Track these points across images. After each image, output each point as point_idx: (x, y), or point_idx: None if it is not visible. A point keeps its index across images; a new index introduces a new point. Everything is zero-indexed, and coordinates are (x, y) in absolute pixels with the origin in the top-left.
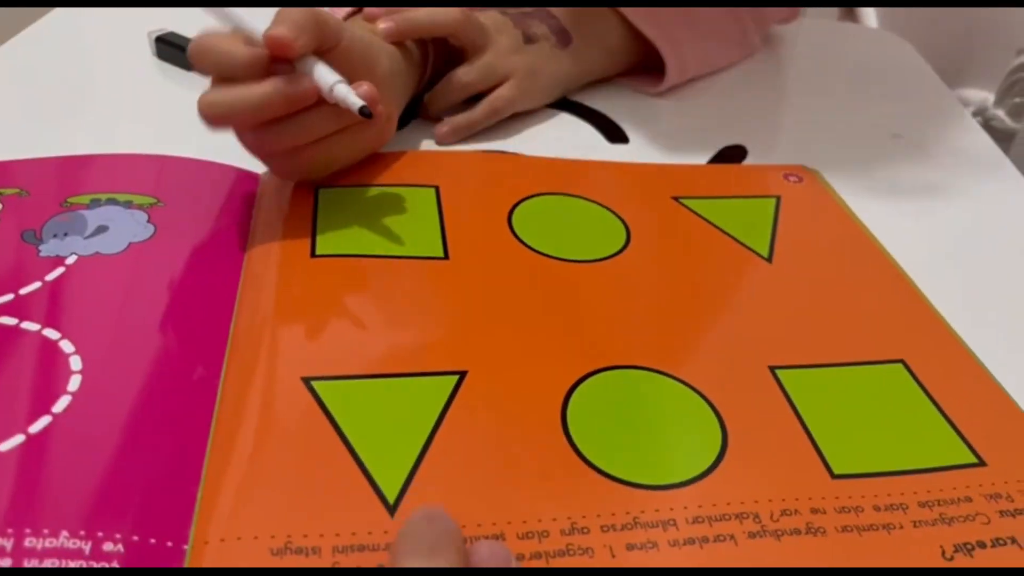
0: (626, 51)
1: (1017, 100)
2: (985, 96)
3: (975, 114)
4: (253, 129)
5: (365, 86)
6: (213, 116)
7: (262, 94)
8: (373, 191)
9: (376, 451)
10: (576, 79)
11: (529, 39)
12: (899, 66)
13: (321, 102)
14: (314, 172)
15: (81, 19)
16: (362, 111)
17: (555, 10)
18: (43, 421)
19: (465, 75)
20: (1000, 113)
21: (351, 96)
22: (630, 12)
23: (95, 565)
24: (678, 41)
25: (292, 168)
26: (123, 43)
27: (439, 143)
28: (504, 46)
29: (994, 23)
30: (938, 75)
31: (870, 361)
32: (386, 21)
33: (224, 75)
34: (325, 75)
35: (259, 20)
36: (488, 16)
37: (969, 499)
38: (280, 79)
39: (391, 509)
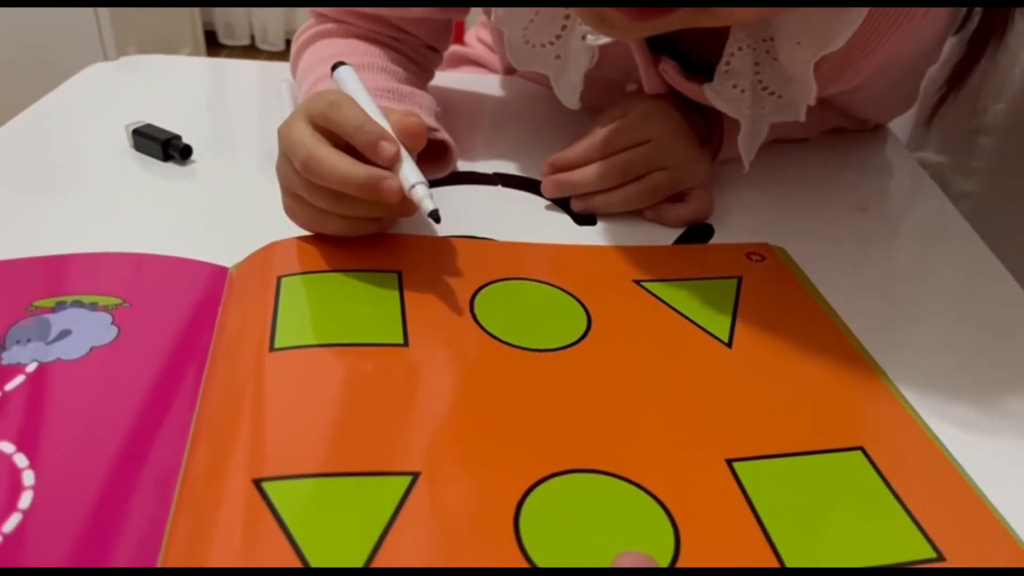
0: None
1: (975, 163)
2: (941, 160)
3: (933, 176)
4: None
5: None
6: (311, 169)
7: (361, 177)
8: (335, 277)
9: (324, 556)
10: None
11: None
12: (865, 135)
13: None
14: (333, 232)
15: (60, 113)
16: (433, 215)
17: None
18: None
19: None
20: (957, 176)
21: (427, 200)
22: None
23: None
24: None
25: (319, 224)
26: (101, 135)
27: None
28: (685, 154)
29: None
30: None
31: (829, 449)
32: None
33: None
34: (409, 175)
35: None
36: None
37: None
38: (378, 173)
39: None
